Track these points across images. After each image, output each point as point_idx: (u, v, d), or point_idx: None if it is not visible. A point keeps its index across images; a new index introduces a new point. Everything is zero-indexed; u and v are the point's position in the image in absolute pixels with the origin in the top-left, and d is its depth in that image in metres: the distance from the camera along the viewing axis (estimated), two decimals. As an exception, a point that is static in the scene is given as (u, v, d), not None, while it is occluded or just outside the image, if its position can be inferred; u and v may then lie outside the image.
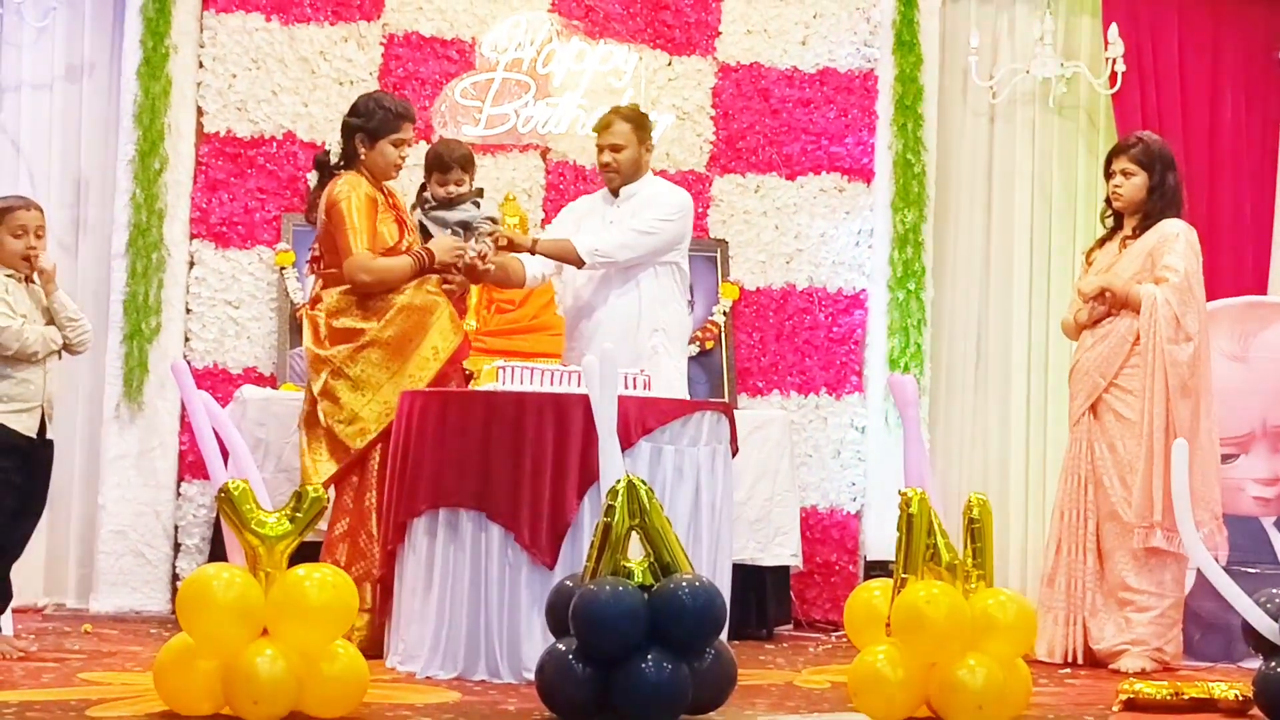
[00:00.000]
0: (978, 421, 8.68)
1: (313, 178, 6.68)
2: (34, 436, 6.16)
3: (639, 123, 6.84)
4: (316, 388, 6.40)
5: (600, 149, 6.84)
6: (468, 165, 6.80)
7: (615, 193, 6.83)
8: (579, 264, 6.63)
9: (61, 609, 7.81)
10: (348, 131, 6.53)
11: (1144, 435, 6.66)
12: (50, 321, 6.25)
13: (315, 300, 6.55)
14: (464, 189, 6.76)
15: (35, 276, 6.26)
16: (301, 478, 6.37)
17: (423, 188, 6.89)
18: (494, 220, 6.79)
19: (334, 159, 6.56)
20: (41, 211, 6.32)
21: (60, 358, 6.32)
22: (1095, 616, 6.74)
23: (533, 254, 6.69)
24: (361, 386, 6.34)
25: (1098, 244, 7.09)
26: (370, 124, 6.49)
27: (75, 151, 8.03)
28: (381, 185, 6.56)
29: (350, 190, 6.40)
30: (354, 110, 6.56)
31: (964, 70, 8.61)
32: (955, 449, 8.64)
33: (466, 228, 6.68)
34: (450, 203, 6.73)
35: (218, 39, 8.01)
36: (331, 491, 6.31)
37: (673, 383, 6.68)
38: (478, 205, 6.75)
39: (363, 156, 6.49)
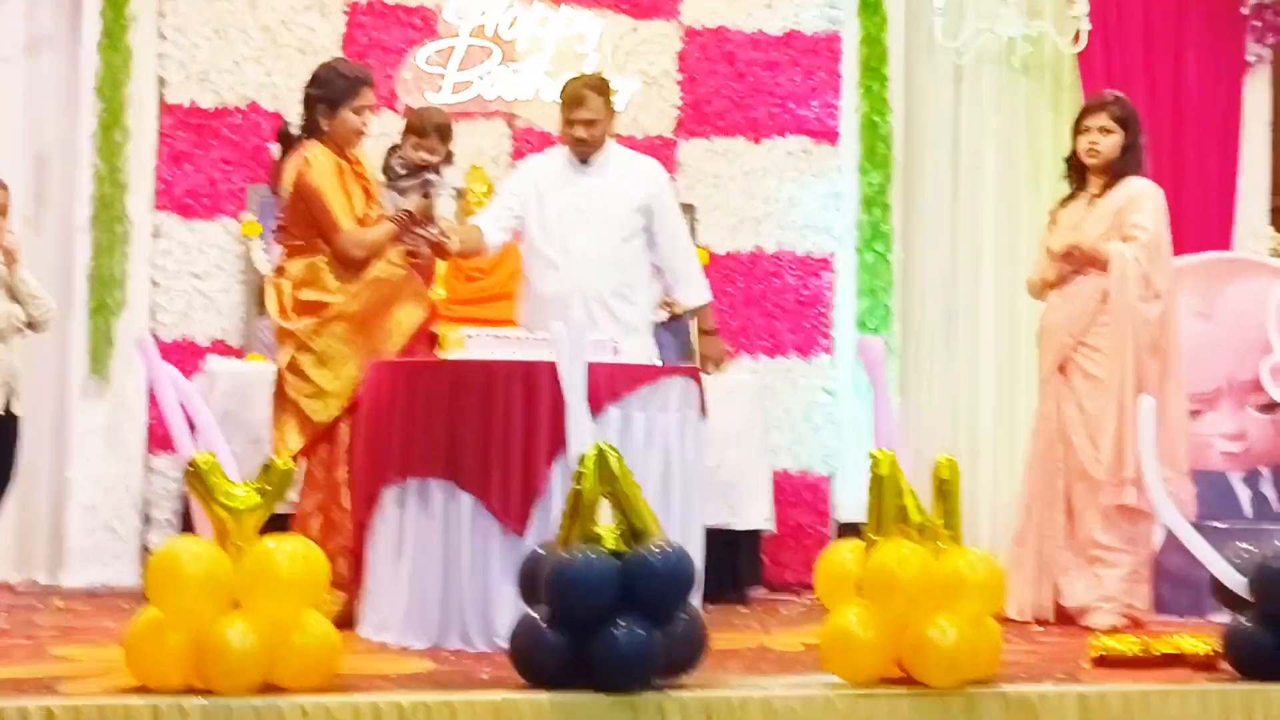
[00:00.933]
0: (947, 383, 8.70)
1: (276, 150, 6.64)
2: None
3: (607, 94, 6.79)
4: (282, 362, 6.38)
5: (572, 123, 6.67)
6: (445, 135, 6.78)
7: (584, 160, 6.77)
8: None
9: (33, 585, 7.79)
10: (308, 102, 6.49)
11: (1113, 393, 6.68)
12: (13, 299, 6.22)
13: (280, 270, 6.53)
14: (436, 157, 6.74)
15: None
16: (273, 449, 6.35)
17: (391, 151, 6.85)
18: (459, 191, 6.79)
19: (296, 131, 6.52)
20: (7, 189, 6.29)
21: (23, 334, 6.29)
22: (1066, 574, 6.77)
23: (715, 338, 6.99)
24: (327, 361, 6.32)
25: (1061, 203, 7.10)
26: (330, 92, 6.45)
27: (36, 125, 7.99)
28: (345, 153, 6.53)
29: (318, 163, 6.35)
30: (313, 80, 6.51)
31: (929, 31, 8.60)
32: (925, 410, 8.65)
33: (426, 189, 6.65)
34: (413, 172, 6.71)
35: (179, 9, 7.97)
36: (303, 466, 6.33)
37: (650, 353, 6.71)
38: (438, 173, 6.72)
39: (325, 126, 6.45)
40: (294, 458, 6.18)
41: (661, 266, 6.79)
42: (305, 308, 6.37)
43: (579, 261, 6.66)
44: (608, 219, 6.68)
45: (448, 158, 6.81)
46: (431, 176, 6.67)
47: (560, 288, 6.67)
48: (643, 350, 6.65)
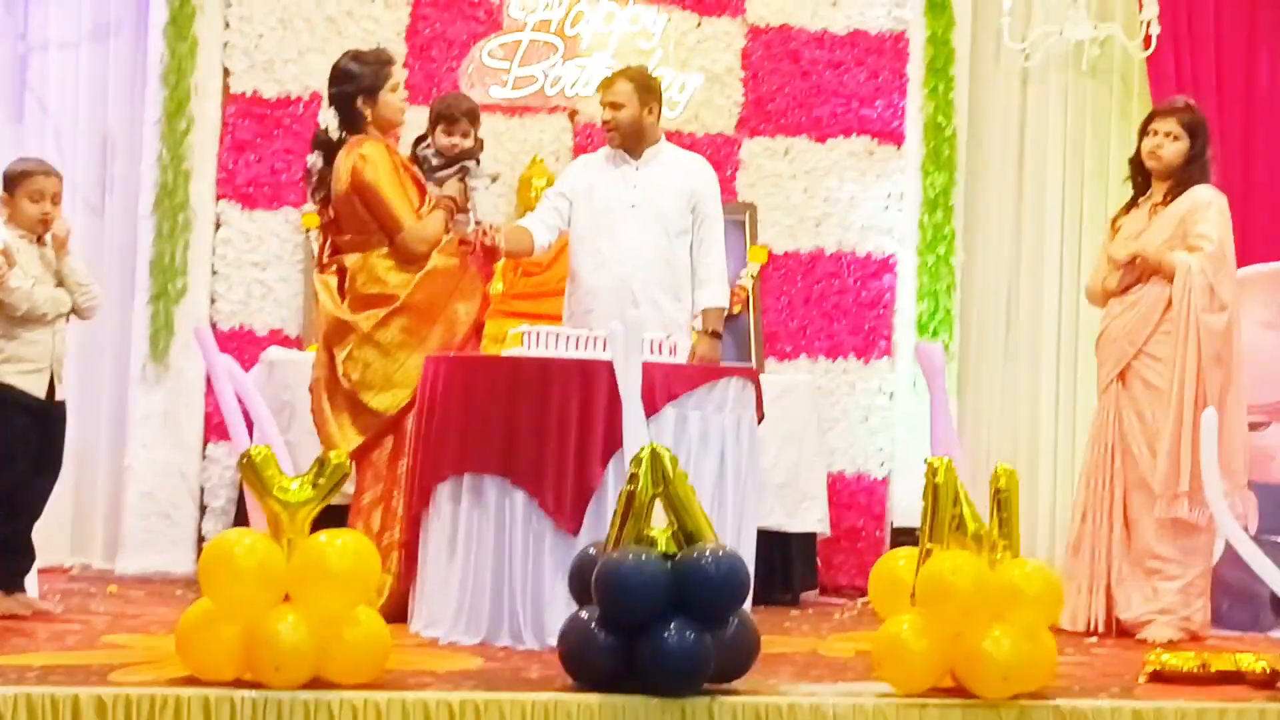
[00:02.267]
0: (1007, 388, 8.63)
1: (315, 159, 6.54)
2: (42, 397, 6.19)
3: (641, 83, 6.82)
4: (341, 354, 6.38)
5: (603, 106, 6.83)
6: (474, 118, 6.77)
7: (632, 154, 6.79)
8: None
9: (88, 570, 7.84)
10: (344, 100, 6.45)
11: (1173, 404, 6.61)
12: (60, 284, 6.26)
13: (326, 265, 6.53)
14: (469, 142, 6.72)
15: (48, 240, 6.27)
16: (324, 443, 6.35)
17: (418, 142, 6.83)
18: (494, 177, 6.78)
19: (335, 133, 6.49)
20: (60, 178, 6.32)
21: (68, 321, 6.33)
22: (1122, 585, 6.71)
23: (718, 338, 6.89)
24: (393, 352, 6.33)
25: (1124, 210, 7.03)
26: (363, 82, 6.45)
27: (102, 112, 8.03)
28: (392, 148, 6.52)
29: (374, 159, 6.35)
30: (339, 78, 6.47)
31: (996, 32, 8.53)
32: (984, 415, 8.59)
33: (463, 175, 6.65)
34: (451, 160, 6.70)
35: (244, -1, 7.99)
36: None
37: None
38: (478, 163, 6.72)
39: (369, 116, 6.45)
40: (352, 455, 6.20)
41: (691, 262, 6.81)
42: (366, 301, 6.37)
43: (627, 255, 6.69)
44: (658, 214, 6.72)
45: (480, 144, 6.80)
46: (469, 164, 6.67)
47: (607, 281, 6.69)
48: (685, 348, 6.64)
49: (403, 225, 6.35)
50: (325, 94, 6.57)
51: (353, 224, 6.43)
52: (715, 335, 6.84)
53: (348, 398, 6.36)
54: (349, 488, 6.21)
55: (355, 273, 6.40)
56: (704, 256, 6.84)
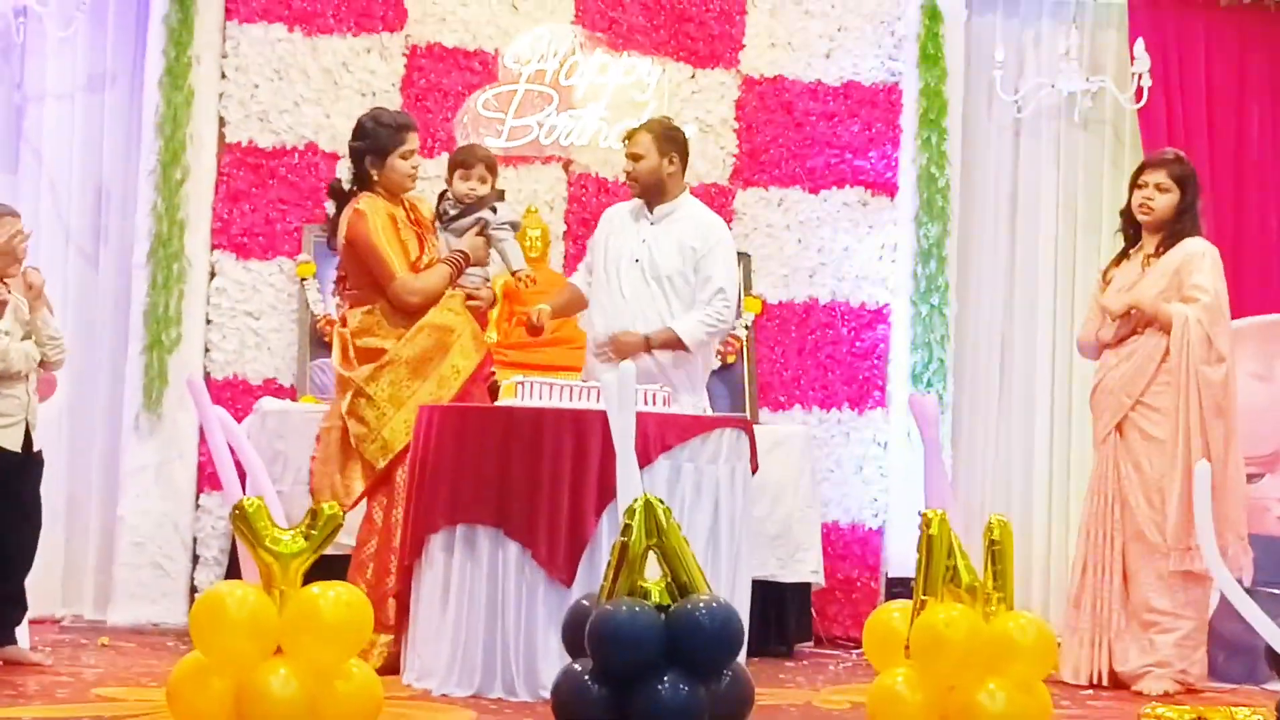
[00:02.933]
0: (1001, 438, 8.61)
1: (329, 207, 6.68)
2: (19, 450, 6.21)
3: (661, 134, 6.83)
4: (343, 408, 6.43)
5: (626, 158, 6.88)
6: (491, 166, 6.80)
7: (650, 208, 6.81)
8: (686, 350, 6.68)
9: (79, 620, 7.80)
10: (355, 156, 6.54)
11: (1178, 457, 6.59)
12: (27, 336, 6.28)
13: (343, 320, 6.59)
14: (486, 189, 6.74)
15: (13, 288, 6.30)
16: (319, 496, 6.34)
17: (442, 196, 6.86)
18: (515, 225, 6.79)
19: (347, 185, 6.56)
20: (17, 216, 6.36)
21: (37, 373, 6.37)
22: (1120, 639, 6.68)
23: (647, 351, 6.67)
24: (383, 406, 6.34)
25: (1115, 262, 7.03)
26: (375, 142, 6.51)
27: (97, 161, 8.03)
28: (401, 199, 6.57)
29: (369, 216, 6.40)
30: (357, 133, 6.57)
31: (989, 84, 8.55)
32: (978, 466, 8.57)
33: (483, 227, 6.66)
34: (467, 209, 6.71)
35: (240, 49, 8.00)
36: (363, 509, 6.36)
37: (701, 406, 6.71)
38: (494, 210, 6.73)
39: (375, 177, 6.50)
40: (354, 504, 6.21)
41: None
42: (364, 355, 6.42)
43: (627, 310, 6.67)
44: (659, 272, 6.70)
45: (500, 195, 6.81)
46: (485, 214, 6.67)
47: (609, 334, 6.68)
48: (693, 406, 6.63)
49: (393, 276, 6.38)
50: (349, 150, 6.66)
51: (355, 279, 6.51)
52: (648, 345, 6.66)
53: (350, 449, 6.38)
54: (346, 539, 6.19)
55: (355, 328, 6.44)
56: (699, 290, 6.75)
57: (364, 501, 6.41)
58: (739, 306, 6.72)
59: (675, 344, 6.65)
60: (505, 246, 6.68)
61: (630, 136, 6.88)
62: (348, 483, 6.38)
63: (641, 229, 6.82)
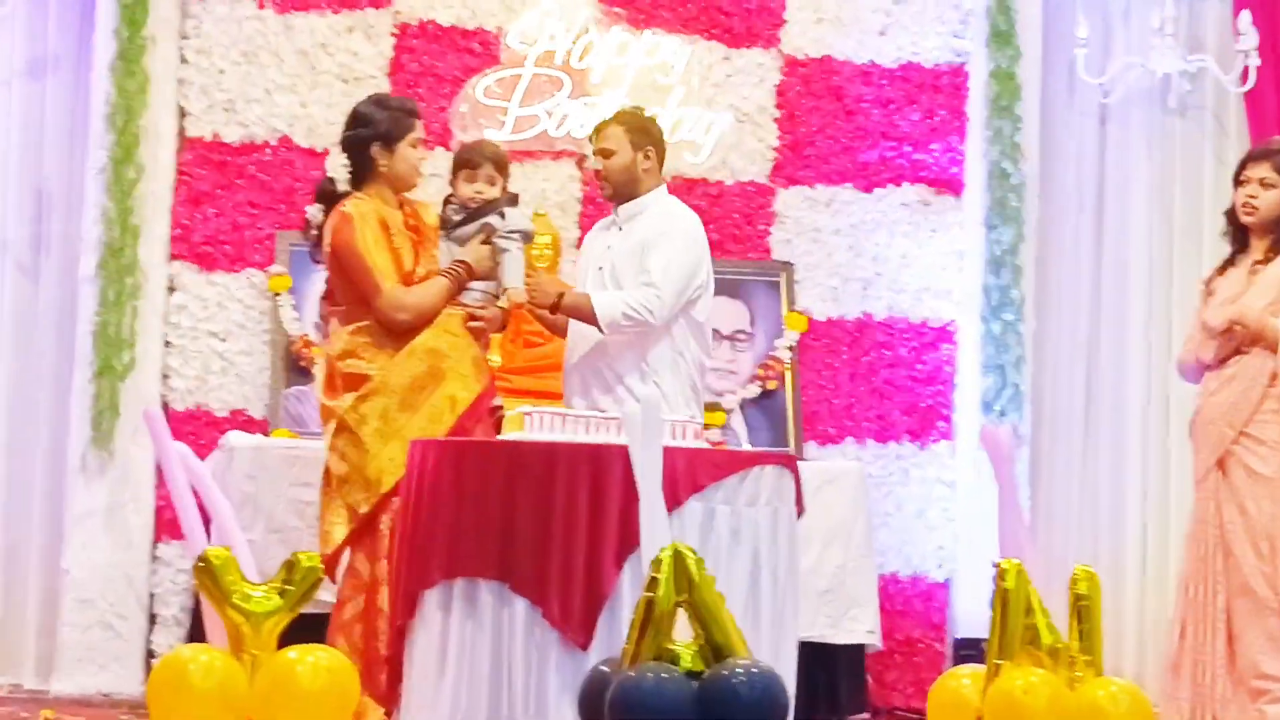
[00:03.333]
0: (1087, 477, 8.61)
1: (316, 212, 6.56)
2: None
3: (633, 125, 6.80)
4: (325, 442, 6.44)
5: (594, 156, 6.81)
6: (501, 165, 6.82)
7: (615, 204, 6.84)
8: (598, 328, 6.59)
9: (18, 691, 7.82)
10: (358, 144, 6.52)
11: (1288, 497, 6.60)
12: None
13: (330, 342, 6.60)
14: (495, 190, 6.75)
15: None
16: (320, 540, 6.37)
17: (447, 201, 6.88)
18: (526, 235, 6.74)
19: (341, 184, 6.53)
20: None
21: None
22: (1226, 709, 6.66)
23: (554, 312, 6.65)
24: (367, 440, 6.34)
25: (1219, 270, 7.03)
26: (384, 128, 6.51)
27: (37, 159, 8.08)
28: (401, 200, 6.58)
29: (356, 221, 6.40)
30: (358, 121, 6.56)
31: (1070, 65, 8.56)
32: (1060, 510, 8.57)
33: (488, 234, 6.64)
34: (472, 214, 6.71)
35: (203, 29, 8.06)
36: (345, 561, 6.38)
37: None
38: (503, 216, 6.72)
39: (383, 168, 6.51)
40: (335, 554, 6.22)
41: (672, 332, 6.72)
42: (348, 381, 6.42)
43: (589, 335, 6.65)
44: (621, 274, 6.66)
45: (512, 199, 6.81)
46: (492, 219, 6.67)
47: (573, 357, 6.73)
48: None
49: (379, 289, 6.38)
50: (338, 140, 6.63)
51: (341, 293, 6.50)
52: (557, 302, 6.60)
53: (332, 491, 6.40)
54: (326, 595, 6.21)
55: (339, 350, 6.44)
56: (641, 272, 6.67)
57: (346, 552, 6.41)
58: (670, 308, 6.58)
59: (586, 314, 6.57)
60: (507, 259, 6.63)
61: (598, 131, 6.85)
62: (327, 529, 6.39)
63: (610, 235, 6.83)
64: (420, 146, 6.61)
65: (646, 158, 6.78)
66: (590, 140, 6.94)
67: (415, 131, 6.57)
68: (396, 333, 6.42)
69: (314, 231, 6.57)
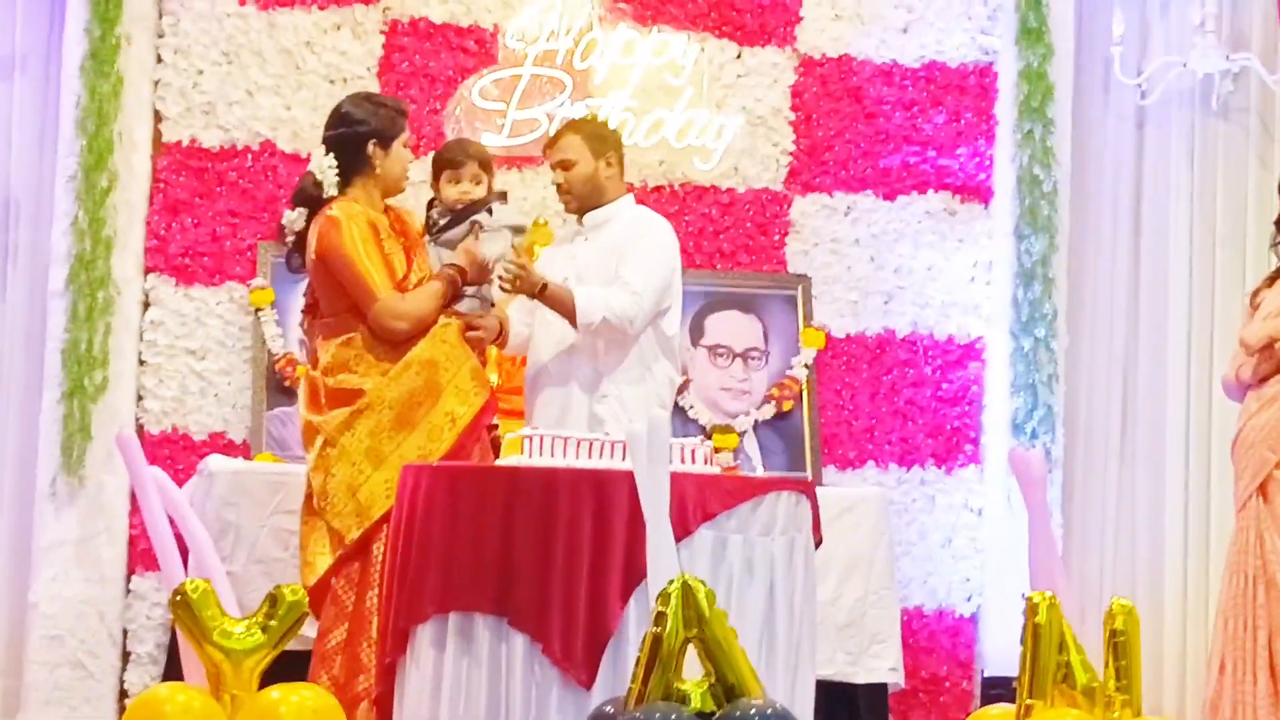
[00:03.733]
0: (1123, 503, 8.61)
1: (296, 217, 6.56)
2: None
3: (591, 132, 6.98)
4: (310, 462, 6.42)
5: (552, 169, 6.96)
6: (485, 163, 6.85)
7: (578, 216, 6.92)
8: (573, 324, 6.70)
9: (-18, 732, 7.83)
10: (352, 143, 6.53)
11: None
12: None
13: (313, 359, 6.59)
14: (481, 190, 6.78)
15: None
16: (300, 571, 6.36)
17: (430, 205, 6.89)
18: (516, 229, 6.78)
19: (329, 186, 6.53)
20: None
21: None
22: (1269, 750, 6.68)
23: (538, 297, 6.70)
24: (359, 461, 6.33)
25: (1267, 282, 7.04)
26: (381, 125, 6.55)
27: (3, 165, 8.07)
28: (386, 206, 6.60)
29: (345, 224, 6.40)
30: (351, 118, 6.56)
31: (1105, 64, 8.58)
32: (1095, 538, 8.56)
33: (477, 233, 6.68)
34: (459, 215, 6.73)
35: (180, 27, 8.06)
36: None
37: None
38: (490, 213, 6.75)
39: (378, 168, 6.53)
40: (319, 583, 6.22)
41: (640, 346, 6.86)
42: (337, 398, 6.41)
43: (555, 334, 6.78)
44: (589, 283, 6.73)
45: (500, 195, 6.84)
46: (480, 216, 6.70)
47: (531, 374, 6.85)
48: (628, 400, 6.75)
49: (375, 297, 6.38)
50: (322, 139, 6.62)
51: (329, 303, 6.49)
52: (543, 288, 6.65)
53: (315, 516, 6.39)
54: (311, 630, 6.21)
55: (329, 364, 6.43)
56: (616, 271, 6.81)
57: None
58: (648, 317, 6.72)
59: (568, 309, 6.67)
60: (487, 236, 6.66)
61: (553, 143, 7.00)
62: (310, 559, 6.36)
63: (575, 246, 6.90)
64: (407, 148, 6.66)
65: (609, 165, 6.91)
66: (545, 154, 7.05)
67: (406, 132, 6.63)
68: (391, 343, 6.42)
69: (290, 237, 6.58)
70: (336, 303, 6.46)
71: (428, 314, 6.46)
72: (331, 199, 6.50)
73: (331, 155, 6.54)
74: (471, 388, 6.52)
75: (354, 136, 6.54)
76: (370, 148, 6.53)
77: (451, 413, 6.45)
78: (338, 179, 6.51)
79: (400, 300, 6.42)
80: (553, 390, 6.82)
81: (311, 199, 6.55)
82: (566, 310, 6.67)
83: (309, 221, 6.52)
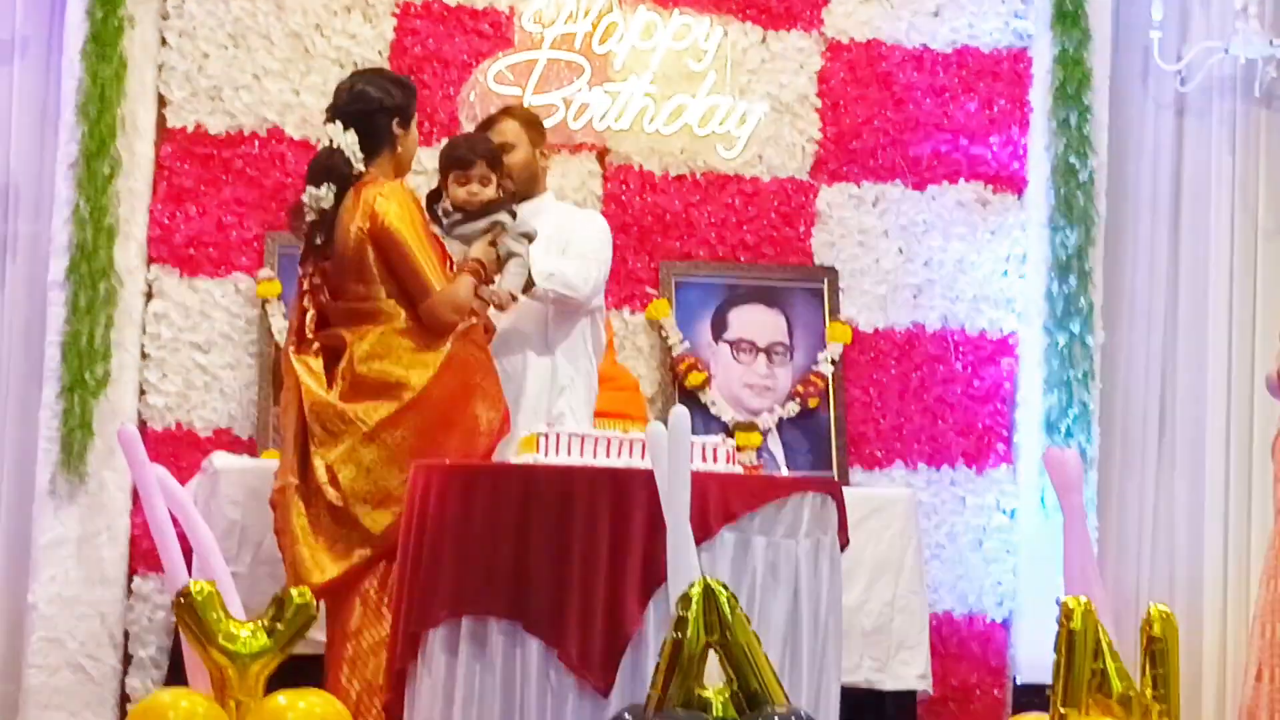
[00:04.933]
0: (1161, 505, 8.60)
1: (321, 194, 6.57)
2: None
3: (528, 120, 7.18)
4: (332, 454, 6.40)
5: None
6: (495, 162, 6.84)
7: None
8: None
9: (-21, 739, 7.84)
10: (375, 120, 6.57)
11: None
12: None
13: (309, 341, 6.55)
14: (490, 191, 6.78)
15: None
16: (291, 573, 6.34)
17: (432, 196, 6.89)
18: (531, 236, 6.82)
19: (357, 162, 6.54)
20: None
21: None
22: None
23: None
24: (399, 459, 6.33)
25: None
26: (400, 102, 6.63)
27: (2, 151, 8.07)
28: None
29: (400, 205, 6.46)
30: (364, 97, 6.58)
31: (1144, 50, 8.57)
32: (1132, 542, 8.57)
33: (497, 234, 6.72)
34: (475, 213, 6.75)
35: (185, 9, 8.05)
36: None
37: None
38: (513, 215, 6.79)
39: (399, 147, 6.61)
40: (325, 587, 6.22)
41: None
42: (373, 390, 6.41)
43: (502, 324, 6.90)
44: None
45: (511, 195, 6.85)
46: (503, 217, 6.73)
47: (505, 377, 6.88)
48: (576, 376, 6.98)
49: (432, 288, 6.41)
50: (334, 117, 6.62)
51: (359, 286, 6.49)
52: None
53: (333, 512, 6.37)
54: (318, 633, 6.20)
55: (364, 351, 6.42)
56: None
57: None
58: (595, 290, 6.99)
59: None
60: (513, 263, 6.72)
61: (491, 124, 7.13)
62: (320, 558, 6.34)
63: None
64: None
65: (543, 155, 7.08)
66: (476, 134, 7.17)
67: (416, 115, 6.74)
68: (439, 330, 6.44)
69: (313, 215, 6.56)
70: (373, 287, 6.46)
71: (464, 303, 6.51)
72: (364, 176, 6.52)
73: (352, 131, 6.55)
74: (496, 394, 6.56)
75: (379, 112, 6.59)
76: (395, 127, 6.59)
77: (481, 417, 6.48)
78: (365, 154, 6.54)
79: (454, 293, 6.46)
80: (510, 358, 6.94)
81: (342, 175, 6.54)
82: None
83: (338, 198, 6.52)
